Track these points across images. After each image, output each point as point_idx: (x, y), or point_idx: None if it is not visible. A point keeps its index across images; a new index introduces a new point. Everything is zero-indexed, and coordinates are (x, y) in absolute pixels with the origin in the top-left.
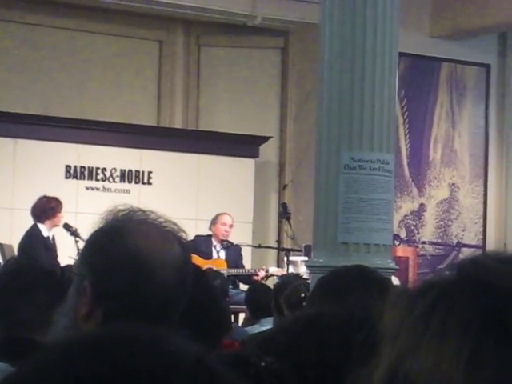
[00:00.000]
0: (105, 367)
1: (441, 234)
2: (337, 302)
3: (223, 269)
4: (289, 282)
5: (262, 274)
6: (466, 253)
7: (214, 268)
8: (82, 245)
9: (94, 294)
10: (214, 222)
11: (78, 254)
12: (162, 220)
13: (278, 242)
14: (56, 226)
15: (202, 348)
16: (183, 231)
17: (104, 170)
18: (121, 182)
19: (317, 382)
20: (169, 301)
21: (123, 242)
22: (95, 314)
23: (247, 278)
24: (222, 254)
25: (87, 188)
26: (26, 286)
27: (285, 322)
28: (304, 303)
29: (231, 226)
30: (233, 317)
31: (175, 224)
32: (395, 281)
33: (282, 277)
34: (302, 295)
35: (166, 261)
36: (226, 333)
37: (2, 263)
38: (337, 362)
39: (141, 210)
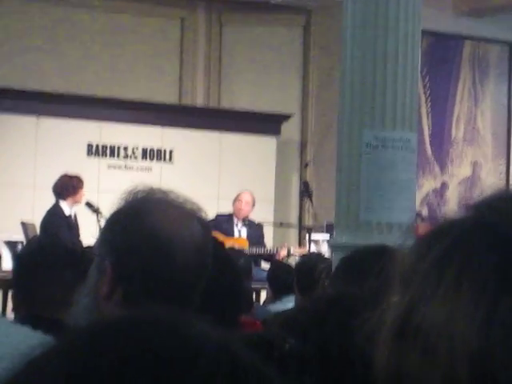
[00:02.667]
0: (126, 353)
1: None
2: (359, 282)
3: (245, 247)
4: (310, 260)
5: (283, 252)
6: None
7: (236, 246)
8: (103, 223)
9: (114, 274)
10: (235, 199)
11: (100, 232)
12: (181, 200)
13: (300, 220)
14: (78, 203)
15: (227, 333)
16: (203, 211)
17: (126, 148)
18: (142, 160)
19: (339, 363)
20: (189, 280)
21: (143, 223)
22: (116, 294)
23: (269, 257)
24: (244, 233)
25: (109, 166)
26: (49, 265)
27: (307, 302)
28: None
29: (248, 203)
30: (254, 295)
31: (195, 203)
32: None
33: (303, 255)
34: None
35: (185, 240)
36: (248, 311)
37: (25, 241)
38: (358, 344)
39: (160, 190)
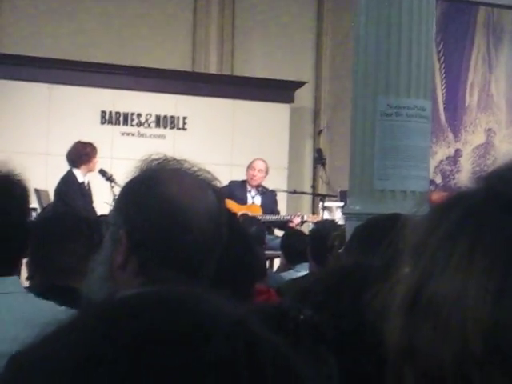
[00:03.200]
0: (139, 333)
1: None
2: (373, 252)
3: (258, 214)
4: (324, 228)
5: (297, 220)
6: None
7: (249, 213)
8: (117, 190)
9: (129, 243)
10: (248, 167)
11: (114, 200)
12: (195, 169)
13: (313, 187)
14: (91, 171)
15: (242, 307)
16: (217, 180)
17: (139, 115)
18: (156, 127)
19: (353, 334)
20: (204, 249)
21: (157, 191)
22: (131, 263)
23: (282, 224)
24: (257, 200)
25: (122, 133)
26: (63, 234)
27: (322, 272)
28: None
29: (261, 171)
30: (268, 262)
31: (209, 172)
32: None
33: (317, 223)
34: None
35: (200, 209)
36: (261, 279)
37: (39, 209)
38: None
39: (175, 158)
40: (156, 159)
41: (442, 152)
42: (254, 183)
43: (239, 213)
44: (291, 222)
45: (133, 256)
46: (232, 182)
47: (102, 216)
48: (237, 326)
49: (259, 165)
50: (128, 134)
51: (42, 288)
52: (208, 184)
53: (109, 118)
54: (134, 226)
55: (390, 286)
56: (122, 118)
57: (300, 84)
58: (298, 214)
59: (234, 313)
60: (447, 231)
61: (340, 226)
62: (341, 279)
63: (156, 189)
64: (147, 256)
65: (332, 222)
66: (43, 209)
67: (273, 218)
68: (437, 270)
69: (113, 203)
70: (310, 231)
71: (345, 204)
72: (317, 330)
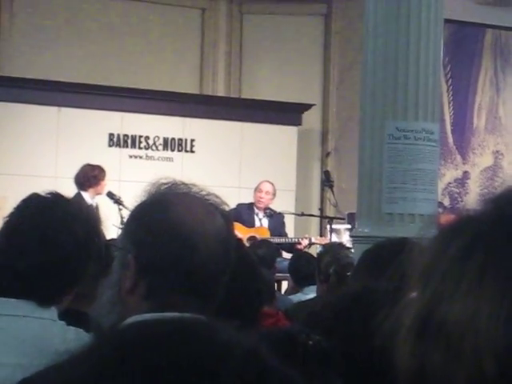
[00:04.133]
0: (155, 362)
1: None
2: (382, 276)
3: (266, 237)
4: (332, 250)
5: (304, 242)
6: None
7: (257, 236)
8: (125, 213)
9: (137, 268)
10: (255, 189)
11: (122, 222)
12: (204, 192)
13: (321, 210)
14: (99, 194)
15: (254, 337)
16: (226, 204)
17: (147, 138)
18: (164, 150)
19: (364, 357)
20: (212, 273)
21: (166, 216)
22: (139, 288)
23: (290, 247)
24: (265, 222)
25: (130, 156)
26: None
27: (331, 297)
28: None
29: (268, 193)
30: (276, 285)
31: (217, 197)
32: None
33: (324, 245)
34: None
35: (208, 233)
36: (270, 302)
37: None
38: (378, 344)
39: (183, 182)
40: (165, 183)
41: (449, 174)
42: (262, 205)
43: (247, 236)
44: (299, 244)
45: (141, 280)
46: (239, 205)
47: (110, 240)
48: (249, 355)
49: (266, 187)
50: (136, 157)
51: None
52: (216, 208)
53: (117, 141)
54: (143, 250)
55: (399, 310)
56: (129, 141)
57: (308, 106)
58: (306, 236)
59: (245, 342)
60: (456, 255)
61: (348, 248)
62: (349, 304)
63: (164, 213)
64: (156, 280)
65: (340, 245)
66: None
67: (281, 240)
68: (446, 293)
69: (121, 226)
70: (317, 253)
71: (352, 226)
72: (325, 355)
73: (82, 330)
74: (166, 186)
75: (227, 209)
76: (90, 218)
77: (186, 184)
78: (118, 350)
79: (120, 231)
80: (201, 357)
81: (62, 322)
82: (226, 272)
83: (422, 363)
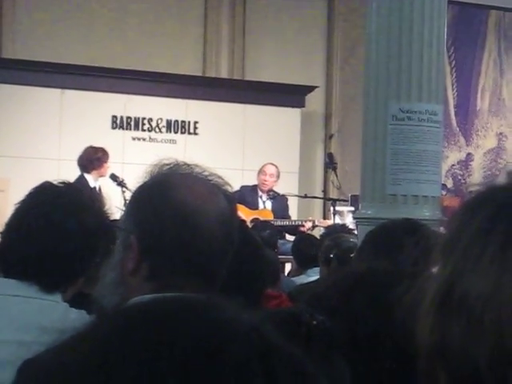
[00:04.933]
0: (159, 341)
1: None
2: (386, 257)
3: (270, 219)
4: (335, 231)
5: (308, 224)
6: None
7: (261, 218)
8: (128, 195)
9: (140, 249)
10: (259, 172)
11: (125, 204)
12: (206, 173)
13: (324, 192)
14: (103, 176)
15: (256, 315)
16: (228, 184)
17: (150, 120)
18: (167, 132)
19: (368, 338)
20: (215, 254)
21: (168, 196)
22: (142, 269)
23: (293, 229)
24: (268, 205)
25: (133, 138)
26: None
27: (335, 277)
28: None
29: (272, 176)
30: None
31: (220, 177)
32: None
33: (327, 228)
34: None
35: (211, 214)
36: (274, 284)
37: None
38: (388, 319)
39: (185, 163)
40: (167, 164)
41: (453, 156)
42: (266, 188)
43: (250, 218)
44: (302, 226)
45: (144, 262)
46: (243, 187)
47: (113, 220)
48: (252, 334)
49: (270, 169)
50: (139, 139)
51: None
52: (219, 188)
53: (120, 123)
54: (145, 231)
55: (420, 283)
56: (133, 123)
57: (311, 88)
58: (310, 218)
59: (249, 320)
60: (479, 228)
61: (351, 229)
62: (355, 284)
63: (167, 194)
64: (158, 261)
65: (343, 226)
66: None
67: (284, 222)
68: (469, 267)
69: (124, 208)
70: (320, 235)
71: (356, 208)
72: (329, 335)
73: (84, 311)
74: (168, 167)
75: (230, 190)
76: (102, 212)
77: (188, 165)
78: (119, 330)
79: (122, 213)
80: (203, 336)
81: (65, 304)
82: (228, 253)
83: (443, 336)
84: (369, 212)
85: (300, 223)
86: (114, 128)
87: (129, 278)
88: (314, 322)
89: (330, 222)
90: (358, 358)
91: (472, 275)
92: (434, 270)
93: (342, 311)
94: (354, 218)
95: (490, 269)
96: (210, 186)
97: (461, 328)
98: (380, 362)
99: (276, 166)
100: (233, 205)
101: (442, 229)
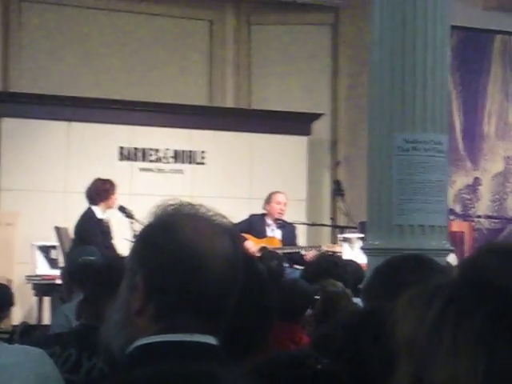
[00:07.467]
0: None
1: (496, 208)
2: (393, 295)
3: (277, 247)
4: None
5: (311, 254)
6: None
7: (269, 247)
8: (136, 227)
9: (146, 289)
10: (268, 200)
11: (133, 236)
12: (211, 213)
13: (332, 219)
14: (110, 208)
15: (261, 365)
16: (233, 224)
17: (157, 150)
18: (174, 162)
19: (374, 378)
20: (221, 294)
21: (174, 237)
22: (148, 309)
23: (300, 258)
24: (277, 233)
25: (141, 169)
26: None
27: (341, 317)
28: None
29: (286, 205)
30: None
31: (225, 217)
32: (453, 259)
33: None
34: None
35: (216, 254)
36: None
37: (59, 246)
38: (394, 358)
39: (190, 203)
40: (171, 204)
41: (460, 181)
42: (274, 216)
43: (258, 246)
44: (306, 256)
45: (150, 302)
46: (252, 216)
47: (118, 259)
48: None
49: (278, 198)
50: (146, 170)
51: (83, 327)
52: (224, 228)
53: (127, 154)
54: (151, 271)
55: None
56: (140, 154)
57: (317, 116)
58: (313, 248)
59: None
60: (431, 323)
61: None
62: (360, 323)
63: (172, 234)
64: (164, 302)
65: (329, 256)
66: (67, 254)
67: (291, 250)
68: (428, 362)
69: (132, 240)
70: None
71: (365, 235)
72: (334, 378)
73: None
74: (172, 207)
75: (236, 231)
76: None
77: (192, 205)
78: None
79: (128, 253)
80: None
81: None
82: (234, 293)
83: None
84: (376, 243)
85: (305, 251)
86: (121, 159)
87: (135, 318)
88: (319, 366)
89: (338, 248)
90: None
91: (433, 367)
92: (401, 370)
93: (348, 350)
94: (362, 249)
95: (447, 358)
96: (214, 227)
97: None
98: None
99: (284, 194)
100: (237, 245)
101: (448, 259)
